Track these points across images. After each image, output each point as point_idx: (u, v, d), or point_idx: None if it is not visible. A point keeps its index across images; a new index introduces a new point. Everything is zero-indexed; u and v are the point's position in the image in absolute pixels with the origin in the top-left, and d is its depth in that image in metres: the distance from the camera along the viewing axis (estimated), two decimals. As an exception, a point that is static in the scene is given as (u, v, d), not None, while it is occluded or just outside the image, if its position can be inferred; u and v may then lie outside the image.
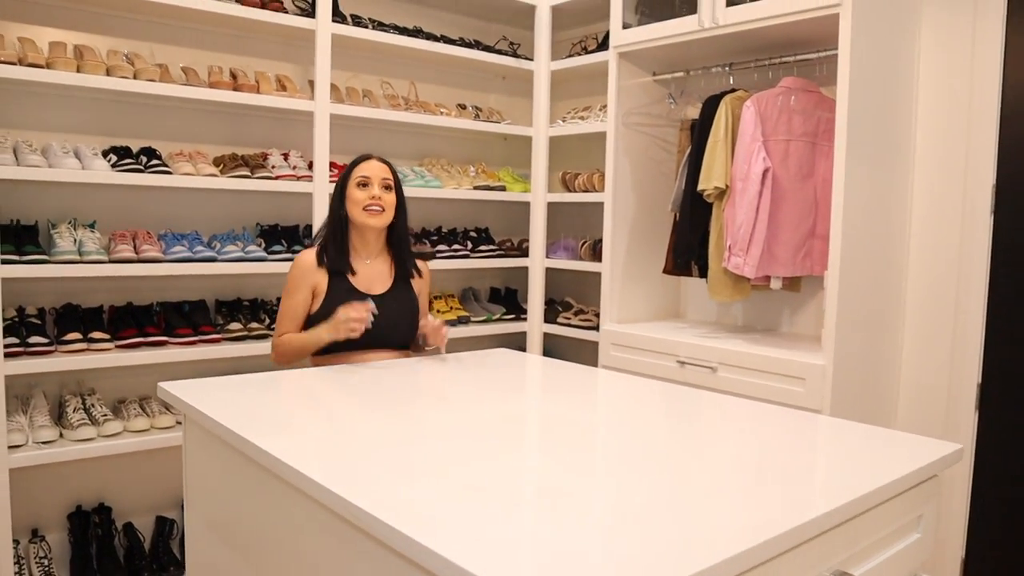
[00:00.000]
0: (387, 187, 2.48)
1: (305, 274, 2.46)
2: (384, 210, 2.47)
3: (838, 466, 1.40)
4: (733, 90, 3.07)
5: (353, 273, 2.48)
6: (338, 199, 2.50)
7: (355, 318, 2.29)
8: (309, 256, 2.49)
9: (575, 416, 1.74)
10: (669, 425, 1.67)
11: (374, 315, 2.32)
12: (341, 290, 2.44)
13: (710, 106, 3.05)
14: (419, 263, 2.65)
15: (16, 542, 2.76)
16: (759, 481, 1.29)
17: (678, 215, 3.22)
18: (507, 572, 0.93)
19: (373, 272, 2.53)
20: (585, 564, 0.96)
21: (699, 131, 3.07)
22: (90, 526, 2.95)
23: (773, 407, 1.85)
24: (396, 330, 2.49)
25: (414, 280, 2.59)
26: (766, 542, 1.05)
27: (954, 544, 2.85)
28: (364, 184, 2.45)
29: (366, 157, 2.53)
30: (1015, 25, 2.72)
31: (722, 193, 2.95)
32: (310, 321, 2.45)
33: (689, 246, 3.12)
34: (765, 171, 2.82)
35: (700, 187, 2.99)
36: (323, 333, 2.35)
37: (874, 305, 2.82)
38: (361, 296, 2.44)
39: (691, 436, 1.59)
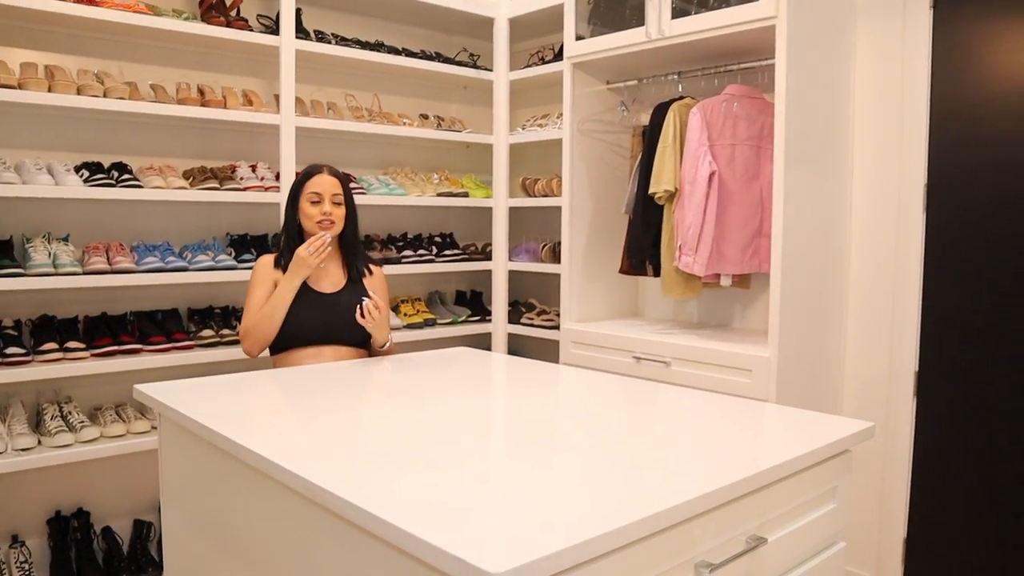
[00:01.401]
0: (337, 203, 2.63)
1: (267, 271, 2.64)
2: (335, 223, 2.62)
3: (757, 442, 1.55)
4: (681, 97, 3.23)
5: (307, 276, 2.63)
6: (291, 209, 2.66)
7: (316, 245, 2.50)
8: (269, 258, 2.68)
9: (534, 404, 1.88)
10: (619, 411, 1.81)
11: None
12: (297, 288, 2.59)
13: (659, 113, 3.21)
14: (371, 266, 2.79)
15: (-3, 547, 2.85)
16: (688, 456, 1.43)
17: (632, 217, 3.37)
18: (473, 548, 1.05)
19: (325, 274, 2.67)
20: (544, 524, 1.10)
21: (649, 137, 3.22)
22: (69, 531, 3.03)
23: (715, 396, 2.00)
24: (350, 326, 2.62)
25: (366, 280, 2.73)
26: (684, 503, 1.20)
27: (897, 524, 3.01)
28: (316, 201, 2.60)
29: (317, 170, 2.65)
30: (940, 38, 2.90)
31: (672, 196, 3.10)
32: None
33: (642, 247, 3.27)
34: (711, 174, 2.97)
35: (651, 190, 3.14)
36: (292, 278, 2.54)
37: (816, 300, 2.98)
38: (314, 294, 2.60)
39: (637, 421, 1.73)
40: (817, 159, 2.93)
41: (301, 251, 2.52)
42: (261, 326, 2.56)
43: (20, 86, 2.76)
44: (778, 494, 1.43)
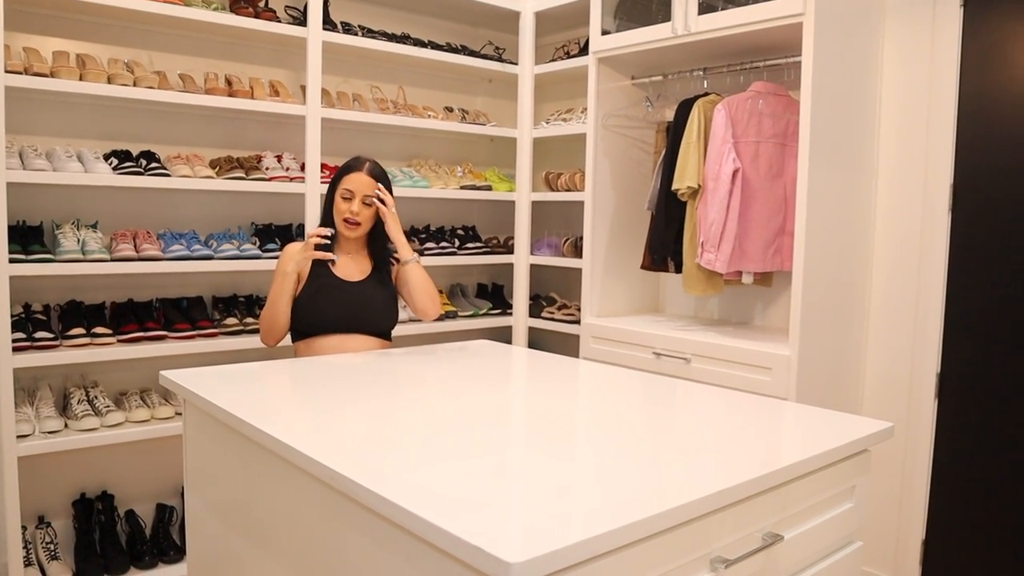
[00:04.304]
0: (368, 204, 2.63)
1: (292, 259, 2.61)
2: (360, 224, 2.63)
3: (775, 439, 1.56)
4: (706, 94, 3.22)
5: (333, 263, 2.65)
6: (328, 199, 2.67)
7: (315, 234, 2.52)
8: (296, 245, 2.68)
9: (554, 398, 1.89)
10: (637, 407, 1.82)
11: (328, 241, 2.56)
12: (321, 276, 2.62)
13: (684, 109, 3.21)
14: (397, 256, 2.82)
15: (24, 528, 2.90)
16: (706, 452, 1.44)
17: (654, 213, 3.37)
18: (491, 538, 1.07)
19: (353, 264, 2.70)
20: (561, 516, 1.12)
21: (673, 133, 3.22)
22: (93, 513, 3.09)
23: (734, 393, 2.00)
24: (373, 315, 2.65)
25: (393, 270, 2.75)
26: (701, 499, 1.21)
27: (915, 526, 3.01)
28: (347, 198, 2.62)
29: (358, 166, 2.64)
30: (970, 37, 2.88)
31: (695, 192, 3.11)
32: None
33: (664, 243, 3.27)
34: (735, 171, 2.97)
35: (674, 187, 3.14)
36: (284, 264, 2.57)
37: (839, 299, 2.97)
38: (339, 282, 2.62)
39: (656, 416, 1.74)
40: (842, 157, 2.92)
41: (294, 247, 2.58)
42: (266, 316, 2.61)
43: (52, 74, 2.80)
44: (795, 492, 1.44)
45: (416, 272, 2.66)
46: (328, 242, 2.55)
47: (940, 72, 2.93)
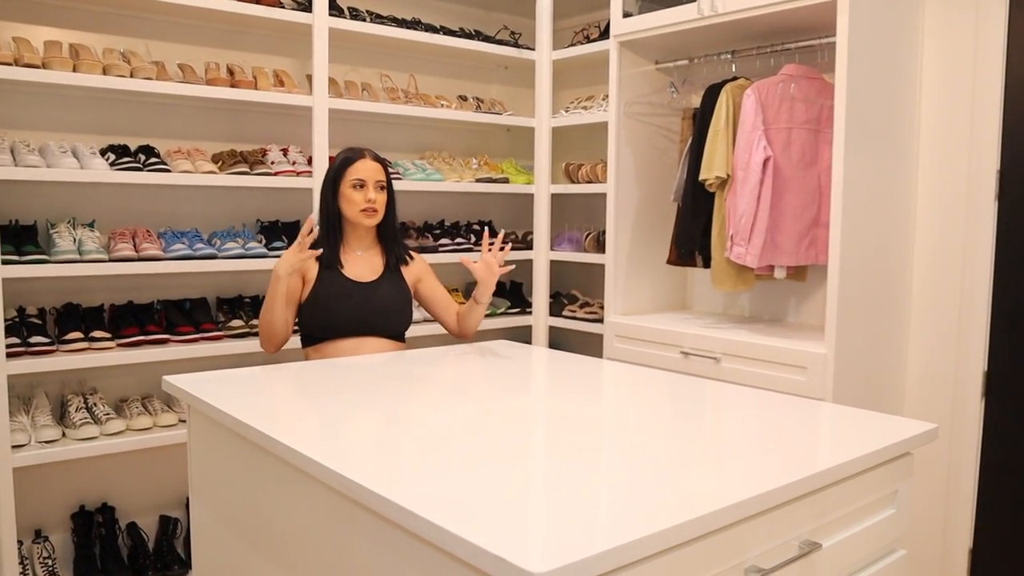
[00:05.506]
0: (381, 188, 2.66)
1: (286, 261, 2.55)
2: (378, 211, 2.65)
3: (811, 442, 1.55)
4: (735, 78, 3.22)
5: (342, 265, 2.66)
6: (330, 194, 2.67)
7: (304, 232, 2.46)
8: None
9: (577, 401, 1.89)
10: (665, 409, 1.82)
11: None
12: (330, 278, 2.63)
13: (711, 95, 3.20)
14: (411, 253, 2.83)
15: (20, 543, 2.92)
16: (738, 456, 1.44)
17: (681, 205, 3.37)
18: (514, 548, 1.07)
19: (364, 262, 2.71)
20: (587, 525, 1.12)
21: (700, 120, 3.22)
22: (93, 526, 3.11)
23: (767, 394, 2.00)
24: (387, 317, 2.67)
25: (406, 269, 2.76)
26: (733, 505, 1.21)
27: (962, 534, 2.99)
28: (359, 187, 2.63)
29: (359, 154, 2.68)
30: (1017, 12, 2.86)
31: (724, 182, 3.10)
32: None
33: (692, 236, 3.27)
34: (766, 160, 2.96)
35: (701, 177, 3.14)
36: (277, 268, 2.51)
37: (877, 293, 2.96)
38: (351, 283, 2.63)
39: (684, 419, 1.74)
40: (880, 143, 2.91)
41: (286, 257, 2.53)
42: (263, 321, 2.59)
43: (44, 65, 2.83)
44: (834, 497, 1.43)
45: (480, 313, 2.76)
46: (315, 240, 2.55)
47: (985, 50, 2.91)
